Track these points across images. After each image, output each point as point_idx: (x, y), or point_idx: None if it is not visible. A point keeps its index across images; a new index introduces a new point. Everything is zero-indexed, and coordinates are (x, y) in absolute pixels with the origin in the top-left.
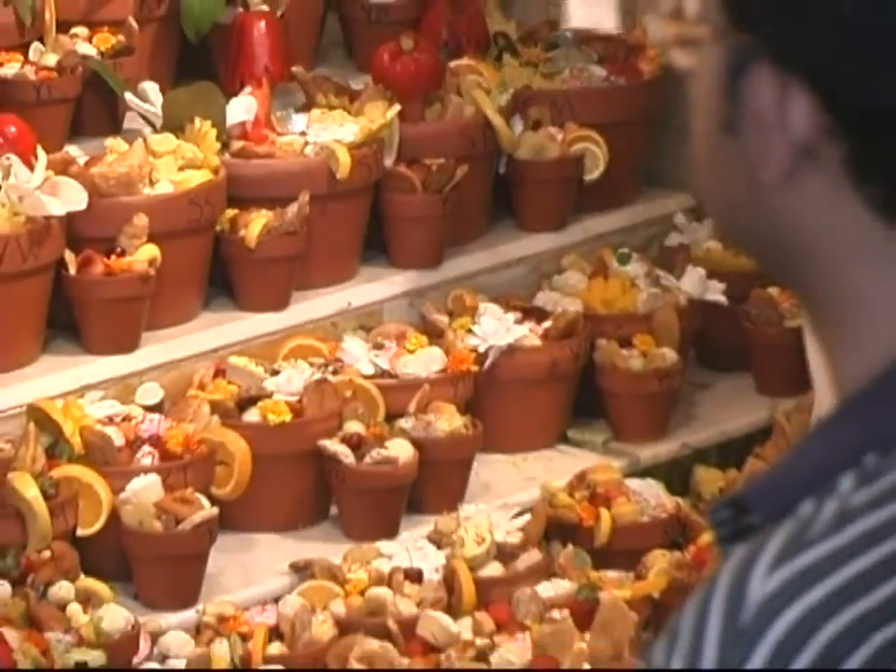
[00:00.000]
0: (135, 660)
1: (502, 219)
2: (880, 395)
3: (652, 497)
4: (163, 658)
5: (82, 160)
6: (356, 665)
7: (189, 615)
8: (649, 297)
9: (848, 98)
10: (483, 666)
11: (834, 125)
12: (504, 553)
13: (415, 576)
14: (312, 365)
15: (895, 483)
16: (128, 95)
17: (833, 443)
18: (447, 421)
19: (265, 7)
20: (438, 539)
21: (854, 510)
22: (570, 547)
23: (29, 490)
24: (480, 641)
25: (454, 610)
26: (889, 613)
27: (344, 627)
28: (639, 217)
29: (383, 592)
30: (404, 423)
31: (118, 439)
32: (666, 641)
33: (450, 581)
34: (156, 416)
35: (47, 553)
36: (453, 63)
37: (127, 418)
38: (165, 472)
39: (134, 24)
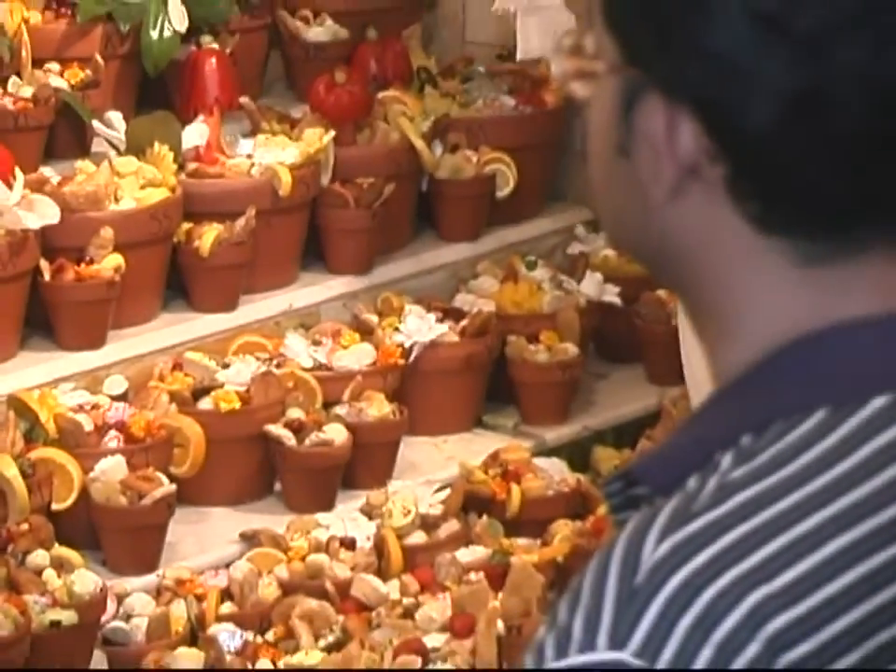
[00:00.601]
0: (103, 618)
1: (425, 231)
2: (754, 382)
3: (557, 473)
4: (128, 617)
5: (55, 179)
6: (297, 622)
7: (150, 579)
8: (553, 299)
9: (726, 124)
10: (410, 624)
11: (716, 148)
12: (427, 524)
13: (349, 544)
14: (258, 359)
15: (767, 460)
16: (95, 123)
17: (714, 424)
18: (377, 408)
19: (215, 46)
20: (369, 511)
21: (732, 484)
22: (485, 518)
23: (9, 470)
24: (406, 601)
25: (383, 574)
26: (764, 574)
27: (287, 589)
28: (545, 229)
29: (321, 558)
30: (339, 410)
31: (87, 424)
32: (570, 600)
33: (380, 547)
34: (121, 405)
35: (25, 526)
36: (380, 95)
37: (95, 406)
38: (129, 454)
39: (100, 60)
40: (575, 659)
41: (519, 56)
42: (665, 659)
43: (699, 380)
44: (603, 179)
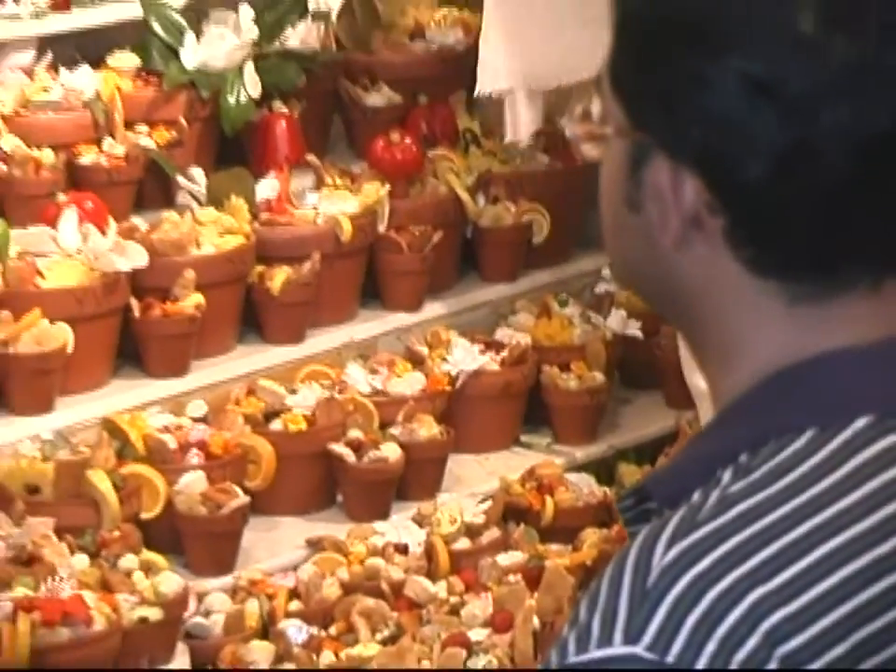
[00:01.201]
0: (186, 615)
1: (469, 273)
2: (749, 406)
3: (585, 487)
4: (207, 613)
5: (144, 227)
6: (356, 619)
7: (227, 580)
8: (582, 332)
9: (724, 179)
10: (456, 620)
11: (715, 201)
12: (471, 531)
13: (402, 549)
14: (322, 386)
15: (762, 475)
16: (179, 178)
17: (715, 444)
18: (427, 429)
19: (285, 110)
20: (420, 520)
21: (732, 497)
22: (522, 526)
23: (103, 483)
24: (453, 599)
25: (432, 575)
26: (761, 576)
27: (348, 589)
28: (575, 271)
29: (377, 561)
30: (394, 430)
31: (172, 443)
32: (589, 602)
33: (429, 552)
34: (201, 426)
35: (116, 533)
36: (430, 153)
37: (179, 427)
38: (209, 469)
39: (184, 123)
40: (594, 654)
41: (508, 138)
42: (673, 653)
43: (702, 393)
44: (614, 229)
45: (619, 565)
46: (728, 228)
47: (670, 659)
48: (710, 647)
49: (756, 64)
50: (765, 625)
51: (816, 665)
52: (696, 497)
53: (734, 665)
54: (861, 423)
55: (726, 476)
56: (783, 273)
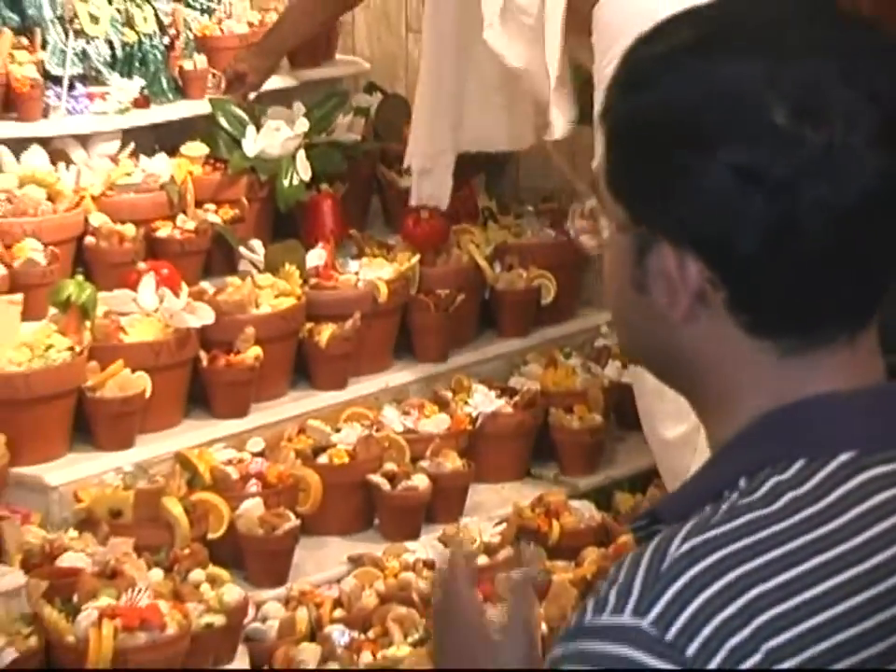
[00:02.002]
0: (245, 621)
1: (487, 329)
2: (746, 442)
3: (587, 512)
4: (264, 619)
5: (211, 290)
6: (391, 624)
7: (280, 591)
8: (584, 380)
9: (722, 257)
10: None
11: (717, 277)
12: (489, 550)
13: (431, 564)
14: (362, 425)
15: (763, 494)
16: (241, 248)
17: (718, 472)
18: (451, 462)
19: (331, 191)
20: (445, 540)
21: (739, 509)
22: (532, 545)
23: (176, 509)
24: None
25: None
26: (760, 577)
27: (384, 598)
28: (577, 328)
29: (409, 575)
30: (423, 463)
31: (234, 474)
32: (609, 580)
33: None
34: (259, 459)
35: (187, 551)
36: (454, 227)
37: (240, 461)
38: (265, 496)
39: (245, 202)
40: (606, 620)
41: (413, 202)
42: (673, 631)
43: (664, 442)
44: (622, 309)
45: (641, 552)
46: (729, 299)
47: (669, 637)
48: (706, 631)
49: (740, 156)
50: (759, 620)
51: (796, 660)
52: (707, 509)
53: (723, 652)
54: (844, 457)
55: (732, 496)
56: (775, 333)
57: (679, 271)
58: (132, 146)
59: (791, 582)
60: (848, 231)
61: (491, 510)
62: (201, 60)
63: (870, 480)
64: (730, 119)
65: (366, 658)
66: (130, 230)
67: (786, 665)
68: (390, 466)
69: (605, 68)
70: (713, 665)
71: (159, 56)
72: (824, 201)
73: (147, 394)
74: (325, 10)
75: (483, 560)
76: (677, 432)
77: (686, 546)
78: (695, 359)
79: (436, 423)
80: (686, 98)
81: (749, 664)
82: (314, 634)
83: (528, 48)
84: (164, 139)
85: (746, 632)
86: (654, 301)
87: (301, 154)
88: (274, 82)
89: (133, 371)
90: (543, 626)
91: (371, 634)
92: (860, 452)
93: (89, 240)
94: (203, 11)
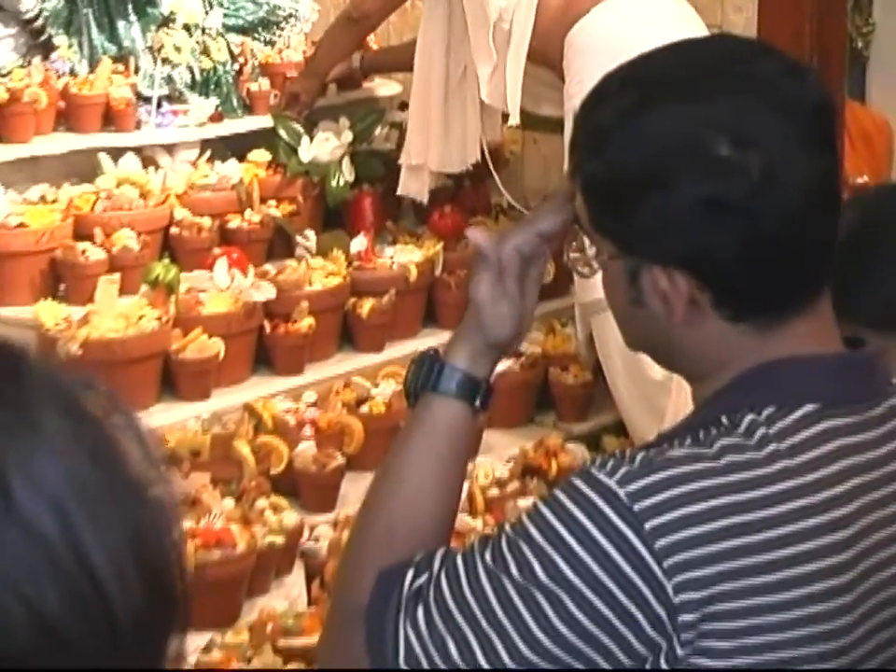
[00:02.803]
0: (301, 541)
1: None
2: (727, 393)
3: (579, 452)
4: (316, 539)
5: (273, 272)
6: None
7: (330, 516)
8: (577, 345)
9: (705, 269)
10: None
11: (702, 284)
12: (500, 483)
13: None
14: (396, 382)
15: (738, 430)
16: (297, 237)
17: (705, 414)
18: None
19: (370, 190)
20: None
21: (721, 437)
22: (535, 480)
23: (244, 449)
24: (486, 530)
25: (472, 513)
26: (728, 490)
27: None
28: (572, 302)
29: None
30: None
31: (292, 421)
32: (621, 453)
33: (470, 498)
34: (313, 409)
35: (253, 483)
36: (471, 220)
37: (297, 410)
38: (317, 439)
39: (301, 199)
40: (600, 475)
41: (400, 192)
42: (640, 506)
43: (655, 382)
44: (624, 320)
45: (649, 443)
46: (713, 300)
47: (636, 508)
48: (665, 518)
49: (702, 188)
50: (714, 525)
51: (734, 564)
52: (699, 436)
53: (668, 541)
54: (809, 408)
55: (713, 431)
56: (752, 316)
57: (670, 286)
58: (208, 153)
59: (753, 500)
60: (801, 227)
61: (501, 450)
62: (264, 82)
63: (830, 428)
64: (684, 159)
65: None
66: (206, 222)
67: (731, 566)
68: None
69: (573, 86)
70: (657, 546)
71: (230, 80)
72: (778, 209)
73: (221, 356)
74: (347, 40)
75: (495, 492)
76: (664, 372)
77: (679, 452)
78: (690, 349)
79: None
80: (645, 150)
81: (690, 555)
82: None
83: (499, 62)
84: (235, 148)
85: (699, 530)
86: (651, 311)
87: (347, 160)
88: (325, 101)
89: (210, 337)
90: None
91: None
92: (822, 405)
93: (173, 230)
94: (266, 43)
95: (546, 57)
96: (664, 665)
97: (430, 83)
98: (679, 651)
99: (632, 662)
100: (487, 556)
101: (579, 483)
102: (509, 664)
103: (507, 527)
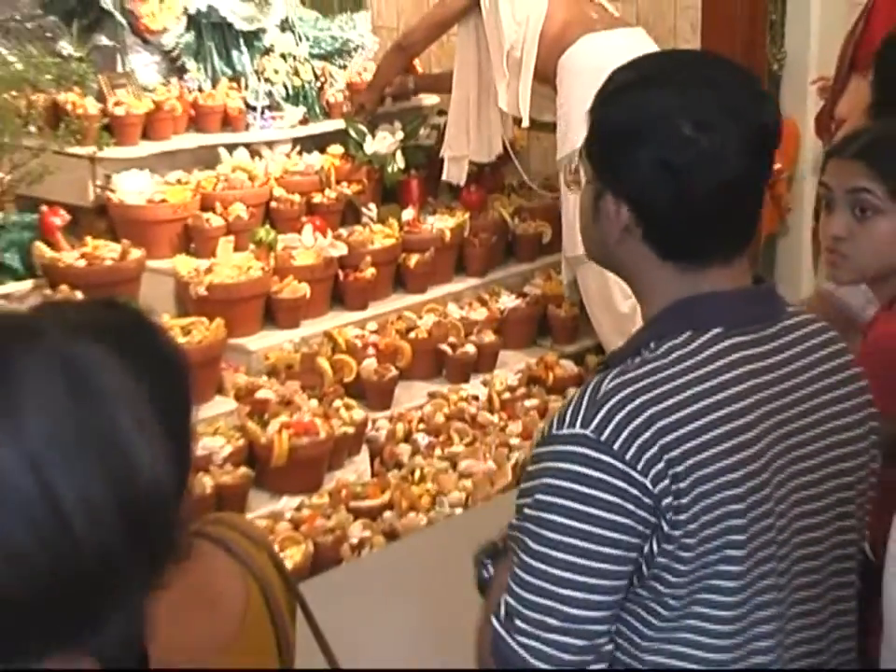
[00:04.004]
0: (367, 431)
1: (510, 258)
2: (656, 321)
3: (569, 366)
4: (377, 429)
5: (345, 234)
6: (453, 433)
7: (387, 413)
8: (568, 287)
9: (643, 209)
10: (503, 434)
11: (638, 219)
12: (511, 388)
13: (476, 398)
14: (436, 314)
15: (663, 352)
16: (363, 209)
17: (639, 338)
18: (488, 337)
19: (416, 175)
20: (485, 383)
21: (647, 360)
22: (537, 387)
23: (324, 364)
24: (501, 424)
25: (491, 411)
26: (658, 400)
27: (448, 417)
28: (560, 258)
29: (463, 404)
30: (472, 338)
31: (359, 344)
32: (568, 403)
33: (490, 399)
34: (374, 335)
35: (331, 389)
36: (490, 196)
37: (363, 336)
38: (377, 357)
39: (366, 181)
40: (565, 430)
41: (444, 177)
42: (605, 435)
43: (622, 315)
44: (587, 234)
45: (586, 386)
46: (644, 233)
47: (602, 438)
48: (624, 434)
49: (660, 152)
50: (657, 426)
51: (682, 449)
52: (629, 362)
53: (635, 447)
54: (716, 330)
55: (644, 353)
56: (674, 257)
57: (615, 212)
58: (297, 147)
59: (677, 403)
60: (723, 197)
61: (512, 365)
62: (339, 95)
63: (731, 345)
64: (655, 128)
65: (437, 452)
66: (296, 198)
67: (676, 453)
68: (452, 339)
69: (563, 105)
70: (629, 455)
71: (314, 94)
72: (708, 179)
73: (307, 296)
74: (398, 64)
75: (507, 395)
76: (628, 304)
77: (613, 383)
78: (627, 267)
79: (480, 313)
80: (632, 114)
81: (649, 454)
82: (407, 438)
83: (512, 80)
84: (317, 143)
85: (648, 434)
86: (602, 228)
87: (399, 152)
88: (383, 109)
89: (299, 282)
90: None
91: (440, 438)
92: (726, 328)
93: (272, 204)
94: (340, 67)
95: (545, 76)
96: (654, 545)
97: (466, 95)
98: (668, 529)
99: (643, 540)
100: (529, 543)
101: (556, 447)
102: (593, 579)
103: (525, 510)
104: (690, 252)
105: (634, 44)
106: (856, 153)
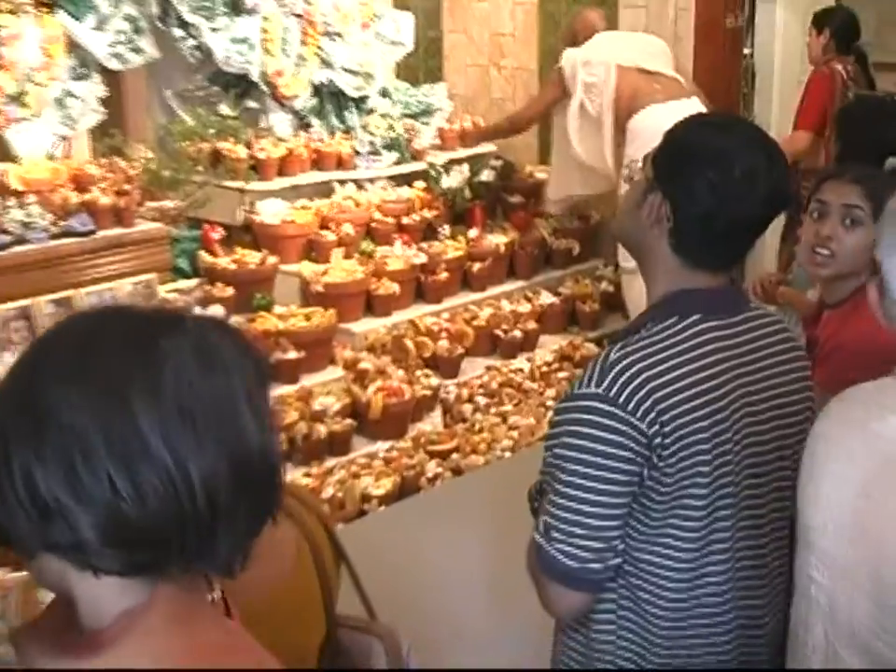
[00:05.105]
0: (441, 392)
1: (548, 267)
2: (655, 307)
3: (592, 349)
4: (447, 392)
5: (426, 246)
6: (504, 396)
7: (455, 381)
8: (594, 290)
9: (678, 211)
10: (541, 398)
11: (672, 216)
12: (548, 364)
13: (519, 371)
14: (492, 308)
15: (657, 330)
16: (439, 228)
17: (642, 318)
18: (531, 325)
19: (479, 203)
20: (529, 360)
21: (644, 337)
22: (567, 363)
23: (409, 344)
24: (541, 391)
25: (532, 379)
26: (650, 366)
27: (501, 384)
28: (590, 266)
29: (513, 375)
30: (519, 325)
31: (434, 329)
32: (586, 368)
33: (532, 372)
34: (446, 323)
35: (414, 362)
36: (535, 220)
37: (437, 324)
38: (448, 339)
39: (441, 207)
40: (584, 390)
41: (546, 208)
42: (612, 392)
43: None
44: (625, 215)
45: (599, 354)
46: (670, 229)
47: (611, 395)
48: (626, 392)
49: (711, 175)
50: (650, 385)
51: (670, 402)
52: (631, 338)
53: (634, 401)
54: (694, 317)
55: (643, 332)
56: (683, 253)
57: (658, 206)
58: (392, 183)
59: (665, 369)
60: (738, 228)
61: (549, 346)
62: (424, 145)
63: (706, 327)
64: (717, 159)
65: (492, 410)
66: (390, 220)
67: (663, 406)
68: (504, 326)
69: (629, 156)
70: (629, 406)
71: (403, 143)
72: (735, 211)
73: (397, 293)
74: (503, 132)
75: (545, 368)
76: (631, 262)
77: (617, 354)
78: (645, 248)
79: (525, 307)
80: (703, 140)
81: (644, 406)
82: (470, 399)
83: (592, 142)
84: (406, 180)
85: (643, 392)
86: (642, 214)
87: (466, 186)
88: (454, 154)
89: (392, 281)
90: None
91: (494, 400)
92: (703, 315)
93: (372, 224)
94: (424, 123)
95: (616, 137)
96: (645, 472)
97: (566, 153)
98: (657, 461)
99: (641, 469)
100: (559, 475)
101: (577, 402)
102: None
103: (555, 450)
104: (694, 255)
105: (690, 110)
106: (853, 178)
